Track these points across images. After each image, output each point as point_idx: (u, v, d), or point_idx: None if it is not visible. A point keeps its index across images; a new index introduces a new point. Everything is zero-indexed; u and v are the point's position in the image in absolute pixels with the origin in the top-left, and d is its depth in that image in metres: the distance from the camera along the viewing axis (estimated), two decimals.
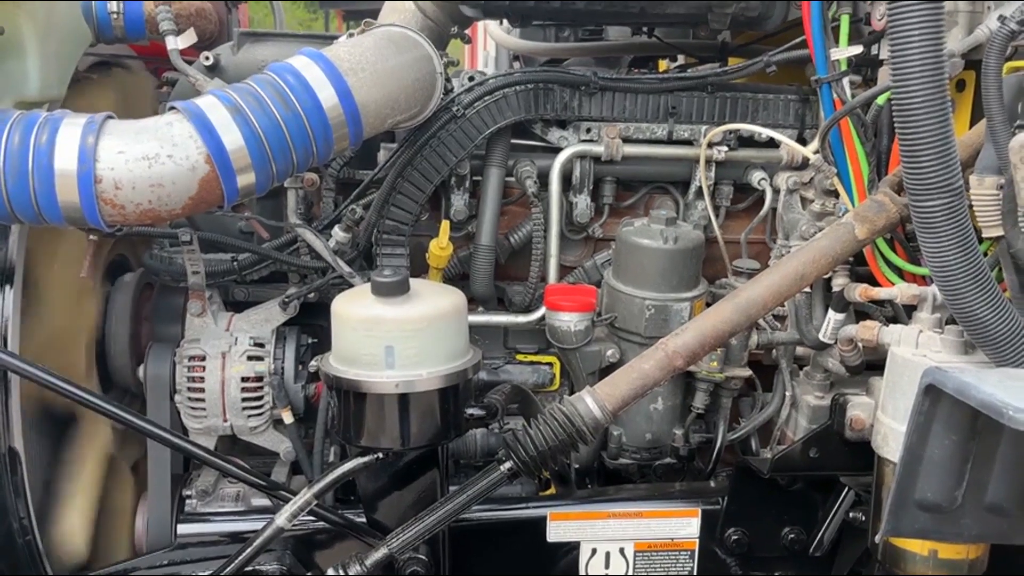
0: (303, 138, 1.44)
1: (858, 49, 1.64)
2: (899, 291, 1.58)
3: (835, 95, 1.68)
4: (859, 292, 1.65)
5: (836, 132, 1.69)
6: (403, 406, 1.48)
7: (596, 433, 1.48)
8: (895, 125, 1.27)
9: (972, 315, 1.32)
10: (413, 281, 1.48)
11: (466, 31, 2.18)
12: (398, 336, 1.43)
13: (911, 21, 1.20)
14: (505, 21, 2.96)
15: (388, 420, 1.49)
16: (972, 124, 1.65)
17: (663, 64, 3.06)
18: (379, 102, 1.54)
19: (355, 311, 1.46)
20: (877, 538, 1.40)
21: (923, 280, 1.68)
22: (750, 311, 1.53)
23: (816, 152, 1.75)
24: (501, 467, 1.49)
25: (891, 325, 1.59)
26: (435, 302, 1.47)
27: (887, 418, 1.51)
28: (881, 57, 1.70)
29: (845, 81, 1.67)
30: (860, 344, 1.64)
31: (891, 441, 1.50)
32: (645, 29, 2.55)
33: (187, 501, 1.82)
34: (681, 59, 2.93)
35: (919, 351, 1.49)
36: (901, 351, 1.51)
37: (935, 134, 1.24)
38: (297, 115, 1.43)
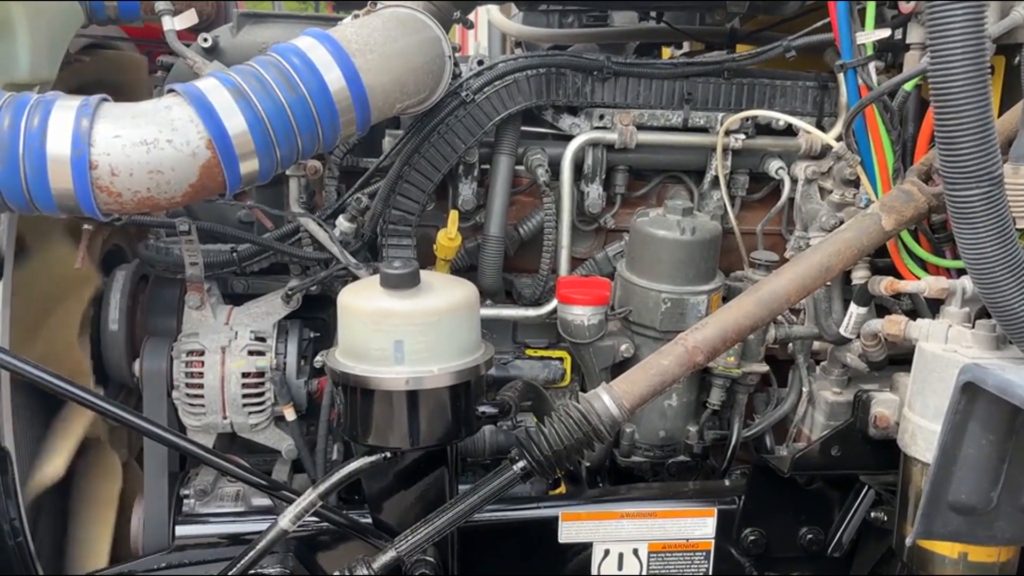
0: (309, 123, 1.37)
1: (886, 32, 1.58)
2: (927, 284, 1.53)
3: (860, 81, 1.62)
4: (884, 285, 1.59)
5: (861, 119, 1.63)
6: (412, 404, 1.42)
7: (613, 432, 1.42)
8: (933, 109, 1.21)
9: (1009, 310, 1.27)
10: (423, 273, 1.42)
11: (469, 16, 2.11)
12: (408, 330, 1.37)
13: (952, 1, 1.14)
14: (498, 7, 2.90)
15: (397, 418, 1.43)
16: (1001, 111, 1.59)
17: (667, 52, 3.00)
18: (387, 85, 1.48)
19: (363, 304, 1.40)
20: (908, 541, 1.34)
21: (948, 273, 1.63)
22: (773, 305, 1.47)
23: (839, 140, 1.69)
24: (514, 466, 1.43)
25: (918, 320, 1.53)
26: (446, 295, 1.41)
27: (915, 416, 1.46)
28: (908, 41, 1.64)
29: (871, 66, 1.62)
30: (884, 339, 1.59)
31: (919, 439, 1.45)
32: (653, 14, 2.48)
33: (185, 501, 1.75)
34: (686, 47, 2.87)
35: (949, 346, 1.44)
36: (930, 346, 1.45)
37: (975, 120, 1.18)
38: (303, 98, 1.36)
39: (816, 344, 1.86)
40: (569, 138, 1.80)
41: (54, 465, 1.65)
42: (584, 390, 1.84)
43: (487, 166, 1.82)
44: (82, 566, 1.75)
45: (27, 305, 1.63)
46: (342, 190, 1.85)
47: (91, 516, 1.80)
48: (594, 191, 1.83)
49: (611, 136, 1.79)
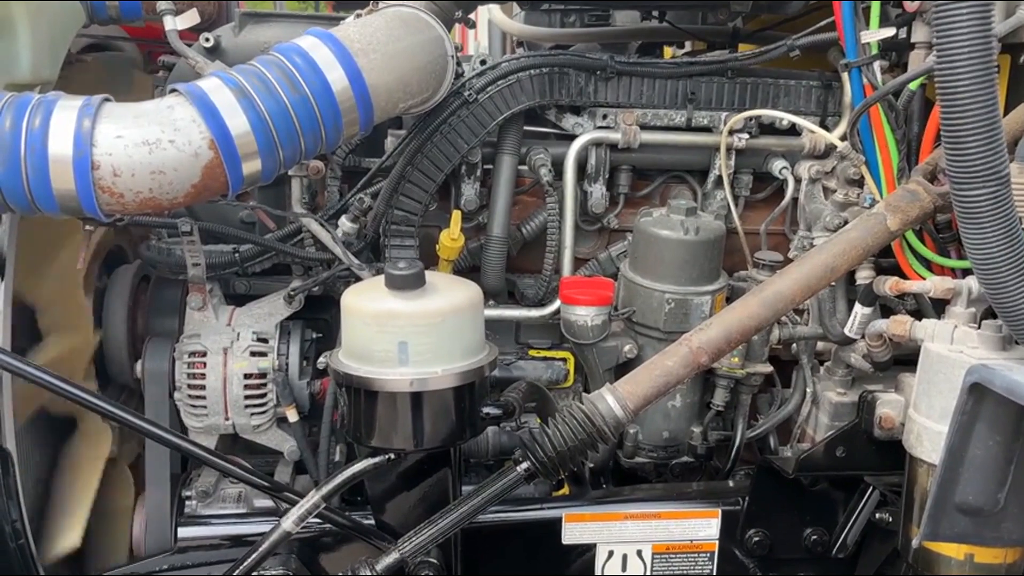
0: (312, 123, 1.37)
1: (891, 31, 1.57)
2: (932, 284, 1.52)
3: (865, 80, 1.62)
4: (889, 285, 1.59)
5: (865, 119, 1.63)
6: (417, 405, 1.41)
7: (617, 433, 1.42)
8: (940, 108, 1.20)
9: (1016, 310, 1.26)
10: (427, 274, 1.41)
11: (470, 15, 2.10)
12: (412, 331, 1.37)
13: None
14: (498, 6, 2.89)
15: (401, 420, 1.42)
16: (1006, 111, 1.59)
17: (668, 51, 3.00)
18: (390, 85, 1.47)
19: (367, 305, 1.39)
20: (915, 543, 1.34)
21: (952, 273, 1.63)
22: (777, 305, 1.47)
23: (843, 139, 1.68)
24: (518, 468, 1.42)
25: (924, 320, 1.53)
26: (451, 296, 1.41)
27: (921, 417, 1.45)
28: (912, 40, 1.64)
29: (876, 65, 1.61)
30: (890, 339, 1.59)
31: (925, 441, 1.44)
32: (655, 13, 2.47)
33: (187, 502, 1.75)
34: (688, 47, 2.87)
35: (955, 347, 1.44)
36: (936, 347, 1.45)
37: (982, 119, 1.18)
38: (305, 98, 1.35)
39: (820, 344, 1.85)
40: (572, 138, 1.80)
41: None
42: (587, 391, 1.83)
43: (490, 166, 1.82)
44: (58, 530, 1.71)
45: (35, 239, 1.61)
46: (344, 190, 1.84)
47: (75, 480, 1.76)
48: (597, 191, 1.83)
49: (614, 136, 1.79)
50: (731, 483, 1.82)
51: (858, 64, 1.62)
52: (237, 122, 1.29)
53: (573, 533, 1.73)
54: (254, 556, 1.46)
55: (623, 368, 1.72)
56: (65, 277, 1.71)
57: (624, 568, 1.75)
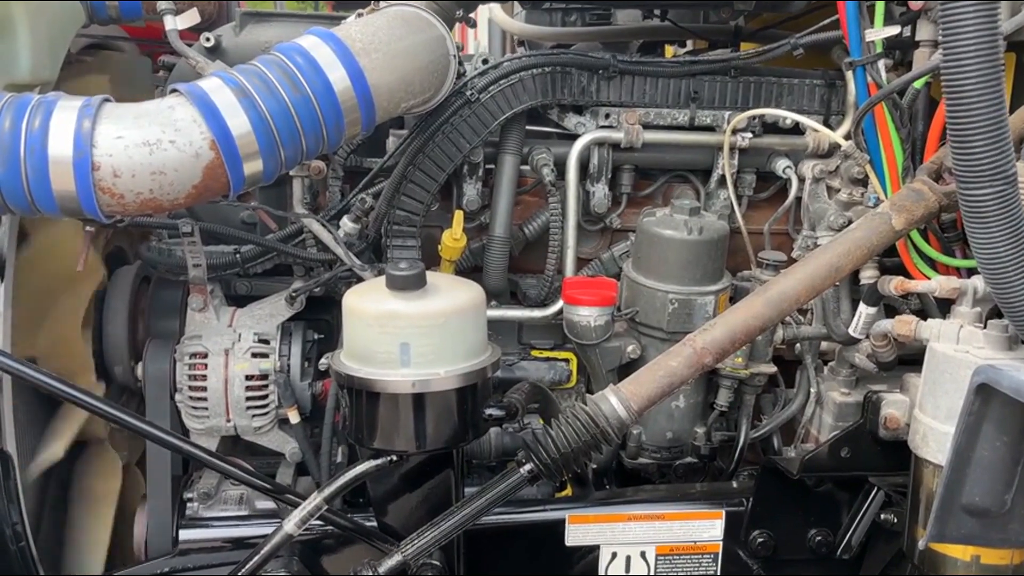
0: (313, 123, 1.36)
1: (896, 29, 1.56)
2: (938, 284, 1.51)
3: (869, 79, 1.61)
4: (894, 285, 1.58)
5: (870, 118, 1.62)
6: (419, 406, 1.40)
7: (620, 434, 1.41)
8: (946, 107, 1.19)
9: (1022, 309, 1.25)
10: (429, 274, 1.41)
11: (471, 15, 2.09)
12: (414, 333, 1.36)
13: None
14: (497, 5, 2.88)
15: (403, 421, 1.41)
16: (1012, 109, 1.57)
17: (669, 50, 2.99)
18: (392, 85, 1.46)
19: (369, 306, 1.39)
20: (921, 544, 1.33)
21: (957, 272, 1.62)
22: (782, 306, 1.46)
23: (847, 138, 1.68)
24: (521, 469, 1.42)
25: (929, 320, 1.52)
26: (453, 296, 1.40)
27: (926, 417, 1.45)
28: (917, 38, 1.63)
29: (880, 64, 1.60)
30: (895, 339, 1.58)
31: (931, 441, 1.43)
32: (657, 12, 2.47)
33: (188, 505, 1.74)
34: (690, 45, 2.86)
35: (961, 347, 1.43)
36: (941, 347, 1.44)
37: (989, 118, 1.17)
38: (307, 98, 1.34)
39: (824, 344, 1.84)
40: (574, 137, 1.79)
41: (53, 449, 1.63)
42: (590, 391, 1.83)
43: (492, 166, 1.81)
44: (79, 566, 1.73)
45: (30, 292, 1.60)
46: (346, 190, 1.84)
47: (89, 516, 1.78)
48: (600, 191, 1.82)
49: (617, 135, 1.78)
50: (735, 484, 1.82)
51: (862, 63, 1.61)
52: (238, 122, 1.29)
53: (576, 534, 1.72)
54: (256, 558, 1.45)
55: (626, 369, 1.71)
56: (62, 330, 1.70)
57: (628, 569, 1.74)
